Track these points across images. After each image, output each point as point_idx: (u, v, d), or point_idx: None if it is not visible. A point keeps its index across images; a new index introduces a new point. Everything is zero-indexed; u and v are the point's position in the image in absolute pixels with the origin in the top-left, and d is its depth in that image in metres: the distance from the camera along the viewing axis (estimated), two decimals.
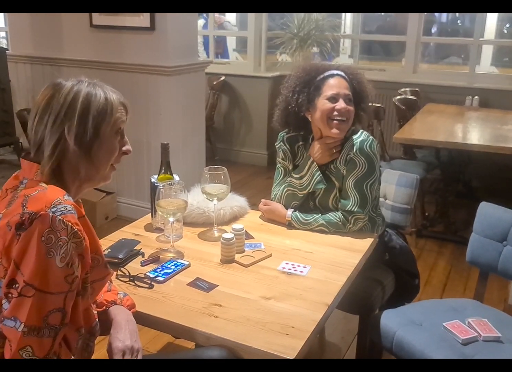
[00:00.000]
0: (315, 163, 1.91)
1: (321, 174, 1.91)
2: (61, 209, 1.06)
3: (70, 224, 1.05)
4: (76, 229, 1.06)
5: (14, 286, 1.04)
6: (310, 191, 1.94)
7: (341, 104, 1.83)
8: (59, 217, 1.04)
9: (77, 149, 1.15)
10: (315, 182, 1.92)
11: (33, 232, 1.03)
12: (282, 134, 2.03)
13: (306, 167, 1.93)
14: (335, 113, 1.83)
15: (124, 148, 1.24)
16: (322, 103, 1.84)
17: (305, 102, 1.88)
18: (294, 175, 1.97)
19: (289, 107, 1.91)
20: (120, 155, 1.24)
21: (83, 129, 1.14)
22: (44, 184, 1.12)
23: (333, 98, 1.83)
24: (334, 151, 1.90)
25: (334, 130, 1.85)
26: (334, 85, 1.84)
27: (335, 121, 1.84)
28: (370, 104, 1.98)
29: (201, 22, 6.05)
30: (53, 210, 1.05)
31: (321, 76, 1.87)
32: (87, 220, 1.15)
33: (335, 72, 1.87)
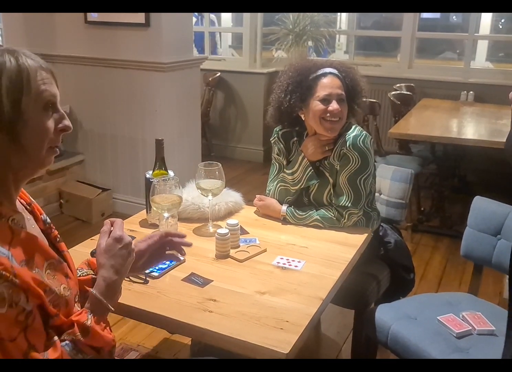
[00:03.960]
0: (306, 159, 1.91)
1: (312, 170, 1.92)
2: None
3: None
4: (0, 271, 0.90)
5: None
6: (302, 186, 1.94)
7: (333, 105, 1.82)
8: None
9: None
10: (307, 178, 1.92)
11: None
12: (277, 130, 2.03)
13: (298, 163, 1.93)
14: (328, 114, 1.83)
15: (60, 125, 1.03)
16: (315, 105, 1.84)
17: (297, 102, 1.87)
18: (286, 171, 1.97)
19: (282, 107, 1.91)
20: (58, 135, 1.04)
21: None
22: None
23: (326, 100, 1.83)
24: (327, 149, 1.90)
25: (327, 130, 1.85)
26: (327, 85, 1.84)
27: (328, 122, 1.84)
28: (364, 99, 1.98)
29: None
30: None
31: (314, 75, 1.86)
32: (25, 232, 1.01)
33: (328, 70, 1.86)
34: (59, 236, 1.17)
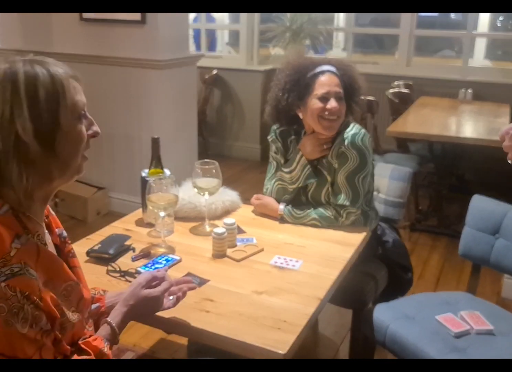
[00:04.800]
0: (304, 157, 1.90)
1: (310, 169, 1.91)
2: (6, 273, 0.90)
3: (18, 289, 0.90)
4: (27, 293, 0.91)
5: None
6: (300, 185, 1.93)
7: (332, 103, 1.81)
8: (3, 284, 0.89)
9: (38, 147, 0.94)
10: (304, 176, 1.91)
11: None
12: (274, 128, 2.02)
13: (295, 162, 1.92)
14: (326, 112, 1.81)
15: (90, 131, 1.04)
16: (313, 103, 1.83)
17: (295, 100, 1.86)
18: (284, 170, 1.96)
19: (279, 106, 1.89)
20: (88, 141, 1.05)
21: (39, 121, 0.94)
22: None
23: (324, 98, 1.81)
24: (325, 147, 1.89)
25: (325, 129, 1.84)
26: (325, 83, 1.82)
27: (326, 120, 1.83)
28: (362, 97, 1.96)
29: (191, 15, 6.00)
30: None
31: (311, 73, 1.84)
32: (48, 252, 1.01)
33: (326, 68, 1.85)
34: (73, 250, 1.16)
